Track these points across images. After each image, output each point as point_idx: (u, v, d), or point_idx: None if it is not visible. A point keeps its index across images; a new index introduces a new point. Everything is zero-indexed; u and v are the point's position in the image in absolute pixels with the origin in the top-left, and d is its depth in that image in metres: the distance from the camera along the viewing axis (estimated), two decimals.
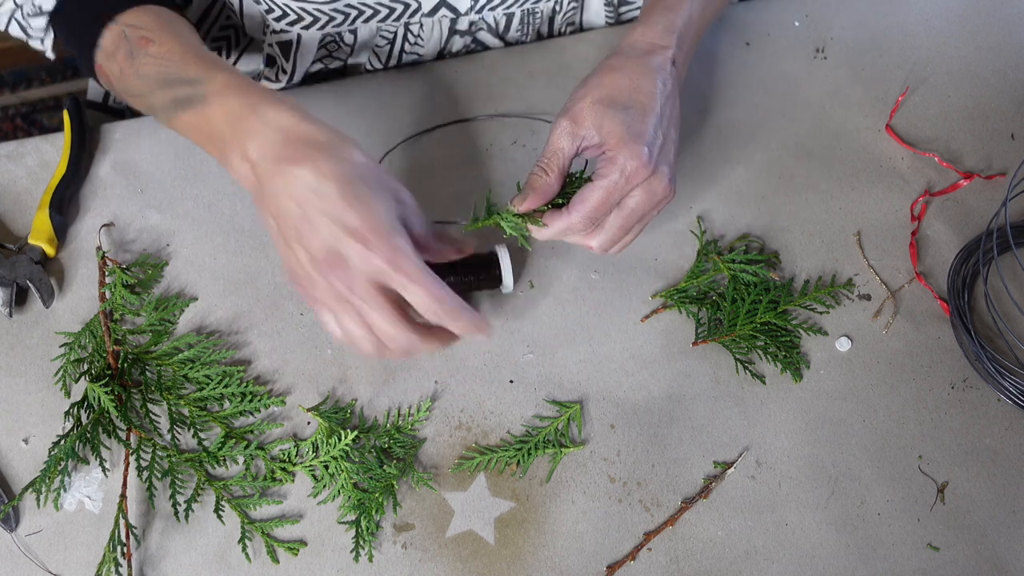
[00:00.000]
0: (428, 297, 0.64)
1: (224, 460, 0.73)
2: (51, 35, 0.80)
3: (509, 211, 0.72)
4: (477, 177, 0.86)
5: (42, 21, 0.78)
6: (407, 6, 0.88)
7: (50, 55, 0.82)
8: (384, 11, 0.88)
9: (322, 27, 0.90)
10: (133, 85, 0.74)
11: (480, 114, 0.90)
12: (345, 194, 0.64)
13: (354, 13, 0.88)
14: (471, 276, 0.78)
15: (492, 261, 0.78)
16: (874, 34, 0.97)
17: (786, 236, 0.84)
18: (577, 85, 0.75)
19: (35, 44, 0.81)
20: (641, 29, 0.78)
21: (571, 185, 0.74)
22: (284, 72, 0.93)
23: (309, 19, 0.88)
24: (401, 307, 0.66)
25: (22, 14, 0.78)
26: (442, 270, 0.70)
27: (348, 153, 0.66)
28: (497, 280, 0.78)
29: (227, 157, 0.69)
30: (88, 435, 0.72)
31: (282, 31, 0.89)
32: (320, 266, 0.65)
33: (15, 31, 0.80)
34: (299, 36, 0.90)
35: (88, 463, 0.73)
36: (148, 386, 0.75)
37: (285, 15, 0.88)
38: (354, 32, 0.92)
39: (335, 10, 0.87)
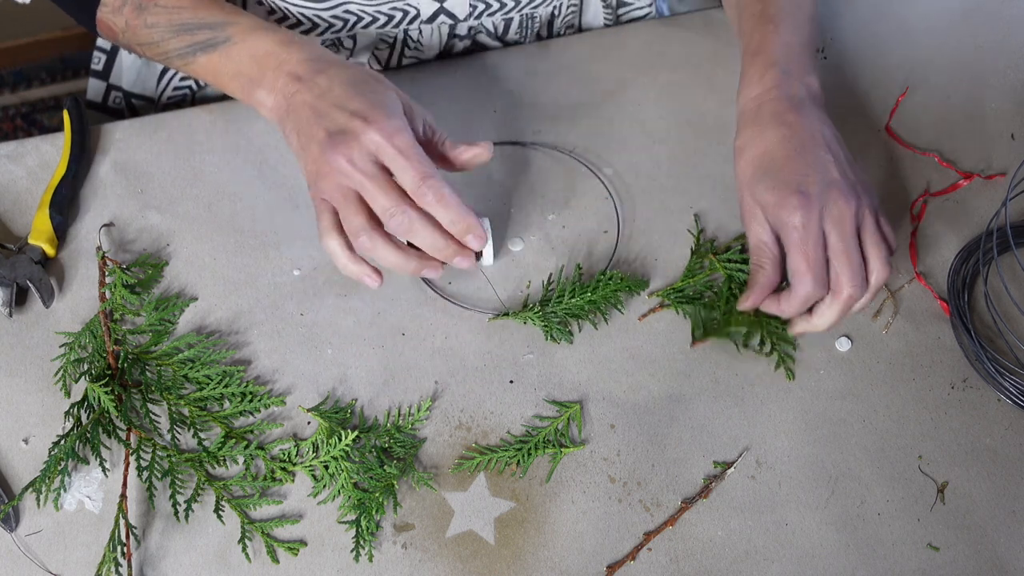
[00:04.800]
0: (414, 171, 0.68)
1: (224, 460, 0.73)
2: None
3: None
4: (480, 176, 0.86)
5: None
6: (406, 13, 0.88)
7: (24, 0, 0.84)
8: (383, 18, 0.89)
9: (321, 32, 0.90)
10: (142, 35, 0.78)
11: (502, 139, 0.91)
12: (351, 89, 0.71)
13: (353, 19, 0.88)
14: None
15: None
16: (874, 34, 0.97)
17: None
18: (735, 172, 0.76)
19: None
20: (743, 91, 0.78)
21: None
22: None
23: (308, 24, 0.88)
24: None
25: None
26: None
27: (358, 68, 0.74)
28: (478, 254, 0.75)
29: (252, 91, 0.75)
30: (88, 435, 0.72)
31: None
32: (326, 147, 0.69)
33: None
34: None
35: (88, 463, 0.73)
36: (148, 386, 0.75)
37: (285, 18, 0.88)
38: (353, 37, 0.92)
39: (334, 16, 0.87)
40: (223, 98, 0.97)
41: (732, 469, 0.74)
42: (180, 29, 0.77)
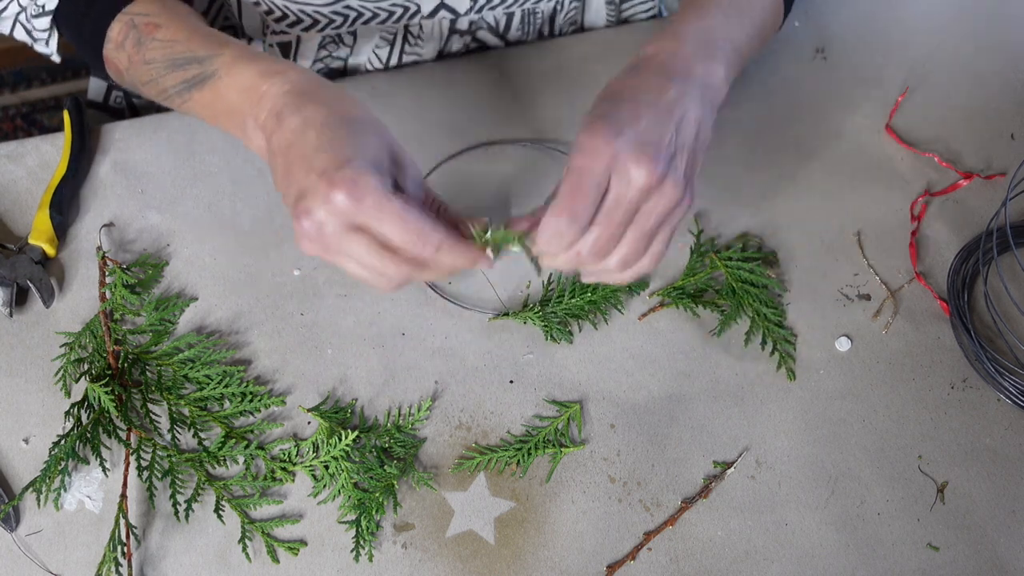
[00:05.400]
0: (402, 231, 0.59)
1: (224, 460, 0.73)
2: (56, 35, 0.79)
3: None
4: (480, 176, 0.86)
5: (45, 21, 0.78)
6: (406, 9, 0.88)
7: (56, 58, 0.81)
8: (383, 14, 0.88)
9: (321, 29, 0.90)
10: (142, 72, 0.74)
11: (502, 137, 0.91)
12: (325, 134, 0.62)
13: (353, 15, 0.88)
14: None
15: None
16: (874, 34, 0.97)
17: (785, 235, 0.84)
18: None
19: (40, 48, 0.80)
20: (640, 50, 0.71)
21: None
22: None
23: (308, 21, 0.88)
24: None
25: (26, 16, 0.78)
26: None
27: (342, 104, 0.65)
28: None
29: (244, 128, 0.68)
30: (88, 435, 0.72)
31: (282, 32, 0.89)
32: (294, 214, 0.61)
33: (20, 35, 0.79)
34: (299, 37, 0.90)
35: (88, 463, 0.73)
36: (148, 386, 0.75)
37: (284, 16, 0.88)
38: (353, 34, 0.92)
39: (334, 12, 0.87)
40: None
41: (732, 469, 0.74)
42: (173, 64, 0.72)
